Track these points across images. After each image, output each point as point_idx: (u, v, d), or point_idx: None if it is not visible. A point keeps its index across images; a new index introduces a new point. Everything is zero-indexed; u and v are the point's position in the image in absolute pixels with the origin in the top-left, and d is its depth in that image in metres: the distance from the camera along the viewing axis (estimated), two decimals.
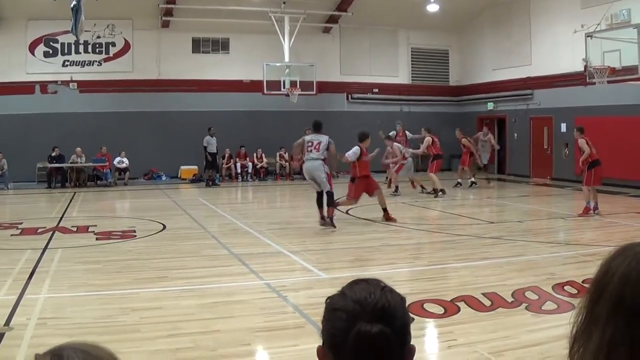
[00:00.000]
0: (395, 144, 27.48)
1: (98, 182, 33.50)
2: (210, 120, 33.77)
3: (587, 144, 20.37)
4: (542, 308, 9.83)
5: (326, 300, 2.23)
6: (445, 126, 38.65)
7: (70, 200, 26.25)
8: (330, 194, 18.54)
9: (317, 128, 19.02)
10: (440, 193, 26.53)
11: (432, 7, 35.19)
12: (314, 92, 34.84)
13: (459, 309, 9.79)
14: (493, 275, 12.25)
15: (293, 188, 31.02)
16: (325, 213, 18.52)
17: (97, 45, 35.46)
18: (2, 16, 33.36)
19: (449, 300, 10.20)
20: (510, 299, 10.27)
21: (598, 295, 1.95)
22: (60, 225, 19.65)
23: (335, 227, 18.14)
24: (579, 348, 1.98)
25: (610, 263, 1.96)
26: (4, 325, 9.18)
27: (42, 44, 34.67)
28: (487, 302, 10.13)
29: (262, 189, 32.82)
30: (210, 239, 16.98)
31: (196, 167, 34.82)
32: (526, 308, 9.84)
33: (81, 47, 34.98)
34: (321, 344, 2.20)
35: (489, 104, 37.75)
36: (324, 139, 18.53)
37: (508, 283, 11.30)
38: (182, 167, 34.75)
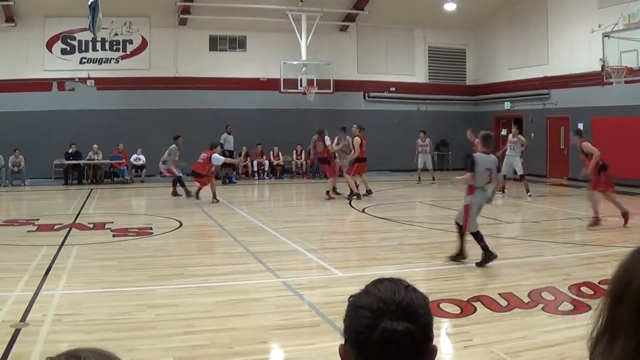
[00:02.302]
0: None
1: (115, 179, 33.62)
2: (227, 118, 33.86)
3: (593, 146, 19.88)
4: (559, 309, 9.80)
5: (349, 298, 2.22)
6: (462, 126, 38.63)
7: (87, 197, 26.31)
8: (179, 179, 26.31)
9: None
10: (355, 197, 25.03)
11: (449, 6, 35.13)
12: (331, 91, 34.88)
13: (475, 309, 9.77)
14: (509, 275, 12.22)
15: (309, 186, 30.97)
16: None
17: (115, 43, 35.54)
18: (19, 13, 33.46)
19: (466, 300, 10.18)
20: (526, 300, 10.24)
21: (619, 298, 1.91)
22: (77, 222, 19.72)
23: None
24: (599, 353, 1.94)
25: (628, 264, 1.93)
26: (20, 321, 9.21)
27: (59, 41, 34.75)
28: (504, 303, 10.11)
29: (279, 187, 32.83)
30: (227, 237, 16.99)
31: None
32: (542, 309, 9.80)
33: (98, 45, 35.07)
34: (343, 342, 2.19)
35: (505, 103, 37.63)
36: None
37: (524, 283, 11.27)
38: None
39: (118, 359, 1.93)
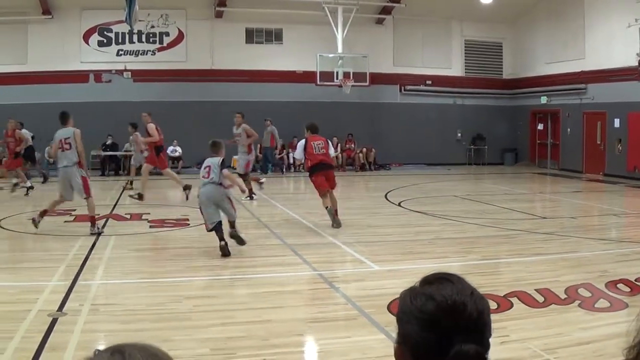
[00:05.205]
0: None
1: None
2: (263, 110, 33.85)
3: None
4: (595, 306, 9.73)
5: (407, 298, 2.20)
6: (498, 119, 38.53)
7: (124, 188, 26.41)
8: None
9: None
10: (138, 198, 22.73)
11: None
12: (367, 84, 34.80)
13: (512, 305, 9.72)
14: (546, 271, 12.12)
15: (345, 179, 30.93)
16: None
17: (151, 35, 35.74)
18: (56, 6, 33.75)
19: (502, 295, 10.12)
20: (563, 296, 10.18)
21: None
22: (114, 212, 19.89)
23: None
24: None
25: None
26: (57, 310, 9.29)
27: (96, 34, 35.03)
28: (540, 299, 10.05)
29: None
30: (263, 229, 17.09)
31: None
32: (579, 305, 9.73)
33: (135, 37, 35.29)
34: (398, 343, 2.19)
35: (542, 97, 37.32)
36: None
37: (561, 279, 11.20)
38: (235, 157, 34.81)
39: (164, 356, 1.91)
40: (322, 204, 17.79)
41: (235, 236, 14.11)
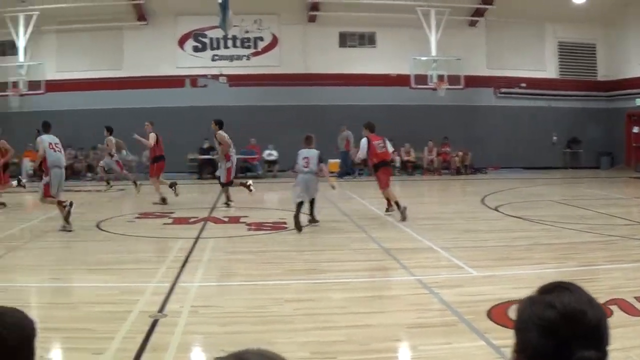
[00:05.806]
0: None
1: (248, 173, 34.06)
2: (357, 114, 33.93)
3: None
4: None
5: (529, 306, 2.20)
6: (593, 122, 37.94)
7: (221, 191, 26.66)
8: None
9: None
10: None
11: None
12: (462, 86, 34.62)
13: (611, 313, 9.52)
14: None
15: (441, 183, 30.80)
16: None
17: (245, 40, 36.22)
18: (151, 12, 34.43)
19: (602, 303, 9.89)
20: None
21: None
22: (212, 215, 20.09)
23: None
24: None
25: None
26: (158, 312, 9.43)
27: (191, 39, 35.71)
28: None
29: (410, 183, 32.68)
30: (360, 232, 17.03)
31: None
32: None
33: (229, 42, 35.77)
34: (516, 352, 2.20)
35: (637, 100, 36.71)
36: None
37: None
38: (330, 161, 34.83)
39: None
40: (386, 196, 20.21)
41: (313, 220, 17.75)
